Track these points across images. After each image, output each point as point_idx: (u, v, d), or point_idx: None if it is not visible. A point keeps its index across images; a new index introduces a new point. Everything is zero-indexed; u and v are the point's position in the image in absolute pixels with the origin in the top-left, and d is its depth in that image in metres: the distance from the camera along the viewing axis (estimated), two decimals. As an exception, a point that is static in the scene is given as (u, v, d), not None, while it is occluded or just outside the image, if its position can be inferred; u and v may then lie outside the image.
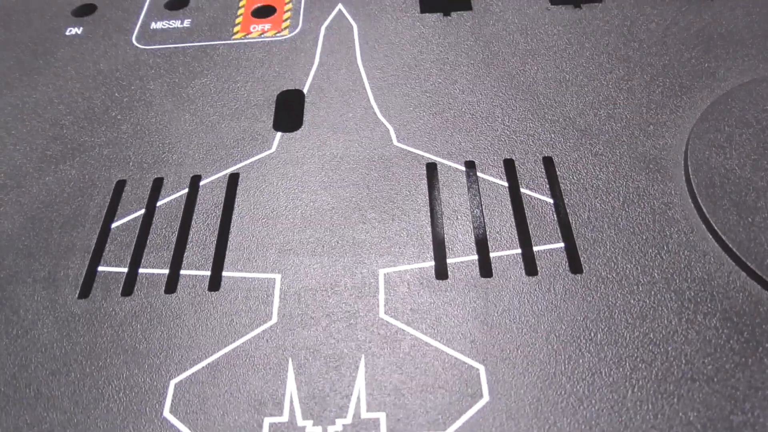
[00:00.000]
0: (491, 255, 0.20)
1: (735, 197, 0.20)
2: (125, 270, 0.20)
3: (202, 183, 0.22)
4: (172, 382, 0.17)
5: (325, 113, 0.24)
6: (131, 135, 0.24)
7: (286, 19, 0.29)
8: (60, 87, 0.26)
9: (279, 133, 0.24)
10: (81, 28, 0.29)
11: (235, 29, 0.28)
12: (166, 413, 0.17)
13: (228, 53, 0.27)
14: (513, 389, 0.17)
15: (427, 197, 0.21)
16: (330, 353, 0.18)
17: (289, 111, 0.25)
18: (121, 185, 0.22)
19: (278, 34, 0.28)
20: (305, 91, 0.25)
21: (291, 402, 0.17)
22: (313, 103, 0.25)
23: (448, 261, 0.20)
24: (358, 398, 0.17)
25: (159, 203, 0.22)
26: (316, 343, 0.18)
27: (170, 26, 0.29)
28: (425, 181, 0.22)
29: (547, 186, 0.21)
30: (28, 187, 0.23)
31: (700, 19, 0.26)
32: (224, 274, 0.20)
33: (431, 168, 0.22)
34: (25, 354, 0.18)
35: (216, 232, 0.21)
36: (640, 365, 0.17)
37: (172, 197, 0.22)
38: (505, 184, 0.21)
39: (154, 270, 0.20)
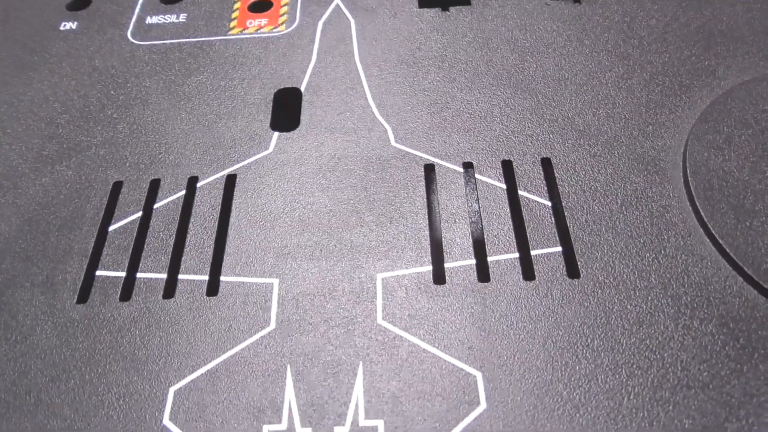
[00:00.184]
0: (489, 259, 0.20)
1: (733, 200, 0.20)
2: (123, 274, 0.20)
3: (199, 184, 0.22)
4: (172, 389, 0.18)
5: (323, 112, 0.24)
6: (127, 134, 0.24)
7: (283, 14, 0.28)
8: (55, 84, 0.26)
9: (276, 133, 0.24)
10: (75, 23, 0.29)
11: (232, 24, 0.28)
12: (166, 421, 0.17)
13: (224, 49, 0.27)
14: (510, 396, 0.17)
15: (425, 200, 0.21)
16: (328, 360, 0.18)
17: (286, 109, 0.25)
18: (117, 186, 0.22)
19: (275, 30, 0.28)
20: (302, 89, 0.25)
21: (290, 409, 0.17)
22: (311, 102, 0.25)
23: (446, 265, 0.20)
24: (357, 405, 0.17)
25: (156, 205, 0.22)
26: (315, 349, 0.18)
27: (166, 21, 0.29)
28: (423, 183, 0.22)
29: (545, 188, 0.21)
30: (24, 189, 0.23)
31: (700, 15, 0.26)
32: (222, 278, 0.20)
33: (429, 169, 0.22)
34: (24, 360, 0.18)
35: (213, 236, 0.21)
36: (636, 372, 0.17)
37: (169, 199, 0.22)
38: (503, 186, 0.21)
39: (152, 274, 0.20)
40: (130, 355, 0.18)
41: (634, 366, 0.17)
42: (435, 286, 0.19)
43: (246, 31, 0.28)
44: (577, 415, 0.16)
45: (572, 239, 0.20)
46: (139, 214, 0.22)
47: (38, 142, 0.24)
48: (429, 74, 0.25)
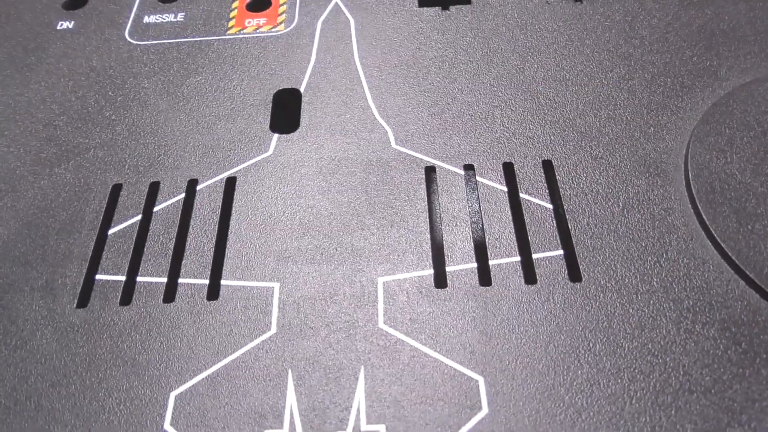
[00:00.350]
0: (490, 263, 0.20)
1: (735, 204, 0.20)
2: (123, 278, 0.20)
3: (198, 187, 0.22)
4: (173, 394, 0.17)
5: (323, 114, 0.24)
6: (126, 136, 0.24)
7: (282, 13, 0.28)
8: (52, 85, 0.26)
9: (276, 135, 0.23)
10: (72, 22, 0.29)
11: (230, 23, 0.28)
12: (167, 426, 0.17)
13: (223, 49, 0.27)
14: (512, 401, 0.17)
15: (426, 202, 0.21)
16: (329, 364, 0.18)
17: (285, 110, 0.24)
18: (117, 189, 0.22)
19: (274, 29, 0.27)
20: (302, 90, 0.25)
21: (291, 414, 0.17)
22: (310, 103, 0.24)
23: (447, 269, 0.19)
24: (358, 410, 0.17)
25: (156, 208, 0.22)
26: (316, 353, 0.18)
27: (163, 20, 0.28)
28: (424, 186, 0.22)
29: (547, 191, 0.21)
30: (23, 192, 0.22)
31: (702, 14, 0.26)
32: (223, 282, 0.20)
33: (430, 172, 0.22)
34: (24, 365, 0.18)
35: (214, 239, 0.21)
36: (638, 376, 0.17)
37: (168, 202, 0.22)
38: (505, 188, 0.21)
39: (152, 278, 0.20)
40: (130, 360, 0.18)
41: (636, 370, 0.17)
42: (436, 289, 0.19)
43: (244, 31, 0.27)
44: (579, 420, 0.16)
45: (574, 242, 0.20)
46: (139, 217, 0.21)
47: (36, 144, 0.24)
48: (429, 75, 0.25)
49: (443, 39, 0.26)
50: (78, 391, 0.18)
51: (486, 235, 0.20)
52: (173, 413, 0.17)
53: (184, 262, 0.20)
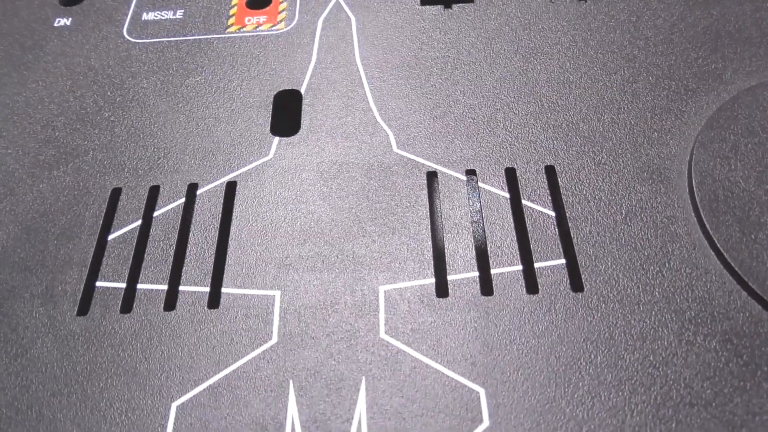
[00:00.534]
0: (492, 272, 0.19)
1: (738, 212, 0.20)
2: (123, 285, 0.20)
3: (198, 192, 0.22)
4: (174, 405, 0.18)
5: (324, 116, 0.24)
6: (125, 138, 0.24)
7: (282, 11, 0.28)
8: (50, 84, 0.26)
9: (277, 138, 0.23)
10: (70, 19, 0.28)
11: (230, 21, 0.28)
12: (169, 437, 0.17)
13: (222, 48, 0.26)
14: (513, 413, 0.17)
15: (428, 209, 0.21)
16: (331, 375, 0.18)
17: (286, 112, 0.24)
18: (116, 193, 0.22)
19: (274, 28, 0.27)
20: (303, 91, 0.25)
21: (292, 425, 0.17)
22: (311, 105, 0.24)
23: (449, 278, 0.19)
24: (359, 422, 0.17)
25: (156, 213, 0.22)
26: (317, 364, 0.18)
27: (162, 17, 0.28)
28: (426, 192, 0.21)
29: (549, 197, 0.21)
30: (22, 195, 0.22)
31: (708, 15, 0.26)
32: (223, 290, 0.20)
33: (431, 177, 0.22)
34: (25, 374, 0.18)
35: (214, 246, 0.21)
36: (639, 389, 0.17)
37: (168, 207, 0.22)
38: (507, 195, 0.21)
39: (153, 286, 0.20)
40: (131, 370, 0.18)
41: (637, 383, 0.17)
42: (438, 299, 0.19)
43: (244, 29, 0.27)
44: (580, 433, 0.16)
45: (576, 251, 0.20)
46: (139, 222, 0.21)
47: (35, 146, 0.24)
48: (431, 76, 0.25)
49: (445, 39, 0.26)
50: (79, 401, 0.18)
51: (488, 242, 0.20)
52: (175, 424, 0.17)
53: (184, 269, 0.20)
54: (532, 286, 0.19)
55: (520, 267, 0.20)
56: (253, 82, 0.25)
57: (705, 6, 0.26)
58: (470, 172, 0.22)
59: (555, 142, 0.22)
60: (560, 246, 0.20)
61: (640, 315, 0.18)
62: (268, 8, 0.28)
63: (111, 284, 0.20)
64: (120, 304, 0.20)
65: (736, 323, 0.18)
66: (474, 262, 0.20)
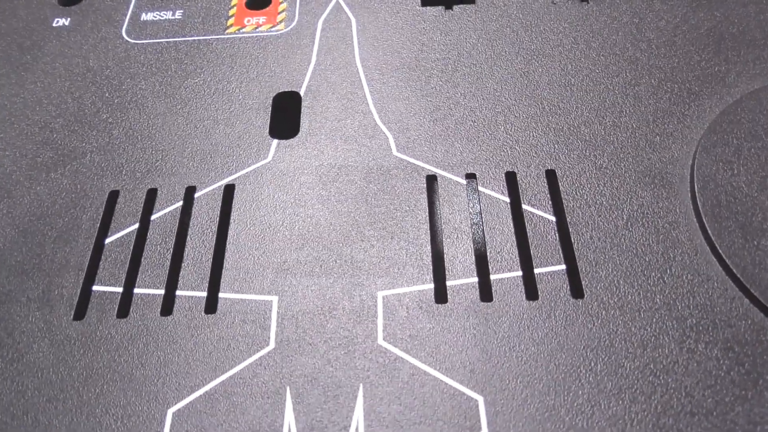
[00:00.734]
0: (492, 277, 0.19)
1: (741, 218, 0.20)
2: (120, 290, 0.20)
3: (196, 195, 0.22)
4: (170, 411, 0.17)
5: (323, 119, 0.24)
6: (123, 140, 0.24)
7: (282, 11, 0.27)
8: (48, 85, 0.26)
9: (275, 141, 0.23)
10: (68, 19, 0.28)
11: (229, 22, 0.27)
12: (165, 444, 0.17)
13: (222, 50, 0.26)
14: (511, 422, 0.17)
15: (427, 213, 0.21)
16: (328, 382, 0.18)
17: (285, 114, 0.24)
18: (114, 196, 0.22)
19: (273, 28, 0.27)
20: (302, 93, 0.24)
21: (289, 433, 0.17)
22: (310, 107, 0.24)
23: (448, 283, 0.19)
24: (357, 430, 0.17)
25: (153, 217, 0.21)
26: (314, 370, 0.18)
27: (161, 18, 0.28)
28: (425, 196, 0.21)
29: (550, 202, 0.21)
30: (19, 198, 0.22)
31: (711, 16, 0.25)
32: (221, 295, 0.19)
33: (431, 181, 0.22)
34: (21, 379, 0.18)
35: (212, 250, 0.20)
36: (639, 397, 0.17)
37: (166, 210, 0.21)
38: (507, 199, 0.21)
39: (150, 290, 0.20)
40: (128, 375, 0.18)
41: (638, 391, 0.17)
42: (437, 305, 0.19)
43: (243, 30, 0.27)
44: (580, 442, 0.16)
45: (576, 257, 0.19)
46: (136, 225, 0.21)
47: (32, 147, 0.24)
48: (432, 78, 0.24)
49: (446, 40, 0.26)
50: (75, 407, 0.18)
51: (487, 248, 0.20)
52: (171, 431, 0.17)
53: (181, 273, 0.20)
54: (531, 293, 0.19)
55: (519, 273, 0.19)
56: (252, 84, 0.25)
57: (708, 8, 0.26)
58: (470, 176, 0.22)
59: (556, 145, 0.22)
60: (560, 251, 0.20)
61: (641, 322, 0.18)
62: (267, 9, 0.28)
63: (108, 288, 0.20)
64: (116, 309, 0.19)
65: (738, 331, 0.18)
66: (473, 267, 0.20)
